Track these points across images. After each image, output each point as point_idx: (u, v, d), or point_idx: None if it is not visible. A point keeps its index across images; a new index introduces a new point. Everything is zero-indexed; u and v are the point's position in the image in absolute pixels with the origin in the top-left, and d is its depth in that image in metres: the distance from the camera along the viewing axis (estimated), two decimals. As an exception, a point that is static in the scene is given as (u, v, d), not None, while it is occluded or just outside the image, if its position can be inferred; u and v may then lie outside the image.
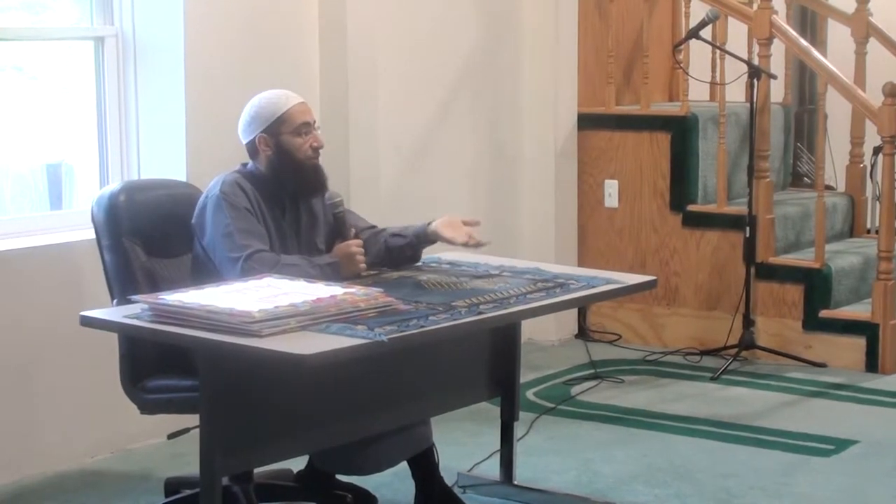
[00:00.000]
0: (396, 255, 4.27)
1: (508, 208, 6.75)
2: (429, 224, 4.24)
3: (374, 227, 4.33)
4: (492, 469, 4.65)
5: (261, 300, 3.50)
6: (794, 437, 5.26)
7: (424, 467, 4.27)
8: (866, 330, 6.26)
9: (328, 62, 5.74)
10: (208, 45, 5.29)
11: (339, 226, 4.15)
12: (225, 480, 3.90)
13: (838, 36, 7.69)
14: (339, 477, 4.35)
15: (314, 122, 4.16)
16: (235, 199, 4.01)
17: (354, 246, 4.08)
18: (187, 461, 4.53)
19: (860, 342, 6.27)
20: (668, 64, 7.41)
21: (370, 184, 5.88)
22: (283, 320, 3.42)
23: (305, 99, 4.22)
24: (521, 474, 4.59)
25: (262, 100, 4.15)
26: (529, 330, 6.41)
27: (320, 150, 4.15)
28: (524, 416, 5.16)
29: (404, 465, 4.26)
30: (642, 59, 6.96)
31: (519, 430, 4.73)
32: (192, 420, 3.80)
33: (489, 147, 6.68)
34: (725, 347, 6.41)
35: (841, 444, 5.16)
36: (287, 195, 4.15)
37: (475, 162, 6.62)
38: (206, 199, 4.06)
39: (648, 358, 6.52)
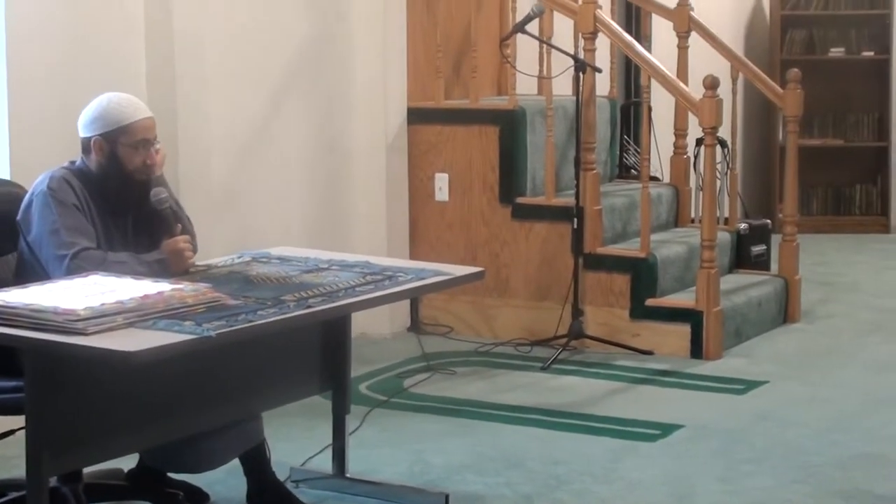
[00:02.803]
0: None
1: (340, 202, 6.76)
2: None
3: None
4: (325, 463, 4.66)
5: (87, 298, 3.47)
6: (622, 424, 5.37)
7: (256, 463, 4.27)
8: (691, 317, 6.41)
9: (155, 58, 5.67)
10: (30, 41, 5.19)
11: (166, 222, 4.12)
12: (53, 481, 3.85)
13: (661, 30, 7.87)
14: (171, 475, 4.33)
15: (155, 138, 4.13)
16: (63, 195, 3.96)
17: (182, 242, 4.07)
18: (14, 464, 4.45)
19: (685, 329, 6.42)
20: (496, 58, 7.48)
21: (200, 180, 5.85)
22: (109, 317, 3.39)
23: (132, 94, 4.20)
24: (354, 467, 4.61)
25: (110, 102, 4.09)
26: (362, 324, 6.43)
27: (154, 168, 4.12)
28: (357, 409, 5.20)
29: (237, 461, 4.25)
30: (471, 53, 7.02)
31: (352, 423, 4.76)
32: (18, 421, 3.74)
33: (320, 141, 6.68)
34: (555, 337, 6.51)
35: (667, 429, 5.28)
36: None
37: (306, 156, 6.62)
38: (32, 195, 4.00)
39: (480, 349, 6.59)
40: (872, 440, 5.14)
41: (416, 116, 6.98)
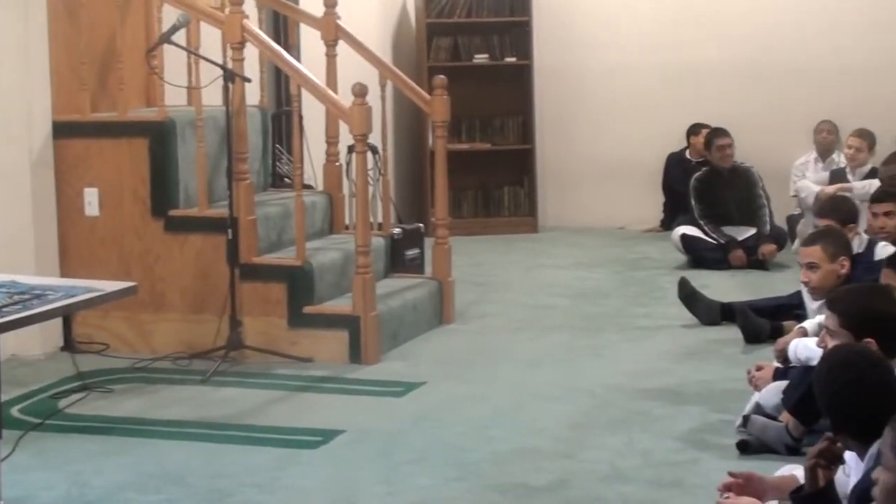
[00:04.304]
0: None
1: (-17, 221, 6.52)
2: None
3: None
4: (-24, 492, 4.50)
5: None
6: (284, 433, 5.38)
7: None
8: (348, 323, 6.48)
9: None
10: None
11: None
12: None
13: (309, 39, 7.92)
14: None
15: None
16: None
17: None
18: None
19: (343, 335, 6.48)
20: (143, 69, 7.35)
21: None
22: None
23: None
24: (8, 494, 4.47)
25: None
26: (12, 345, 6.23)
27: None
28: (10, 433, 5.04)
29: None
30: (117, 65, 6.89)
31: (4, 448, 4.61)
32: None
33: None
34: (214, 349, 6.46)
35: (328, 435, 5.32)
36: None
37: (-56, 175, 6.36)
38: None
39: (137, 365, 6.47)
40: (526, 434, 5.32)
41: (63, 130, 6.79)
